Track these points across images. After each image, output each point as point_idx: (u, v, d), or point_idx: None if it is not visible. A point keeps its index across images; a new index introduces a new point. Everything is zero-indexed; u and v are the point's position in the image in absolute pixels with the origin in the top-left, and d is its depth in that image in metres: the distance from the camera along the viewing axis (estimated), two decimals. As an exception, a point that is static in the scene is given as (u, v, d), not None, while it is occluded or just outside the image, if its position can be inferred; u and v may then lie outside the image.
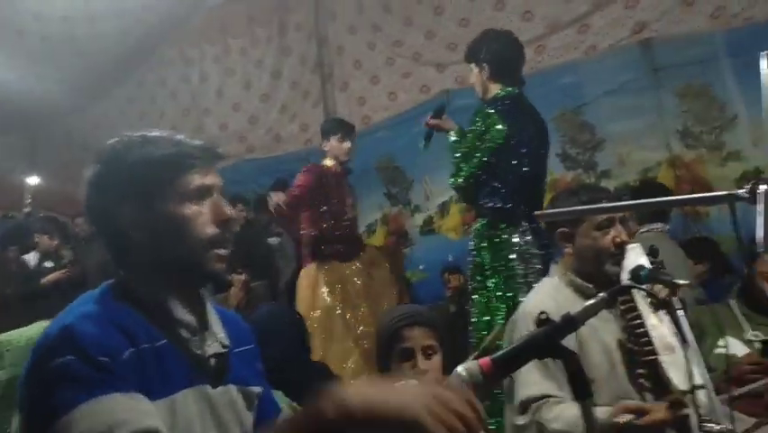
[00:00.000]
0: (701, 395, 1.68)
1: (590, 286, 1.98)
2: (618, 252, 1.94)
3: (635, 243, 2.09)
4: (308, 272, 3.78)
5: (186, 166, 1.17)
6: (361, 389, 0.88)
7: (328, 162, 3.89)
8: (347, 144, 3.87)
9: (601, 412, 1.70)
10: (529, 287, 2.75)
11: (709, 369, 2.26)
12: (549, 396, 1.78)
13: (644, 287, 1.41)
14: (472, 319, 2.89)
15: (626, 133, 4.41)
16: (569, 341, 1.84)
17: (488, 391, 0.97)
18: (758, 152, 4.02)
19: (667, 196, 3.24)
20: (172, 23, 5.75)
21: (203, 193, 1.19)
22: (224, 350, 1.21)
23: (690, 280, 2.63)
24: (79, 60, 5.46)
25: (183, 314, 1.16)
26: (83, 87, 6.00)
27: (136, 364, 1.04)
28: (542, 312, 0.96)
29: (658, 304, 1.88)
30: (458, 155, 2.90)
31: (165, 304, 1.15)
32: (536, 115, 2.99)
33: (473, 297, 2.90)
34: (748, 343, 2.35)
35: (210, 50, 5.92)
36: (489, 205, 2.87)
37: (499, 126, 2.78)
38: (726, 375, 2.23)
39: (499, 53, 2.92)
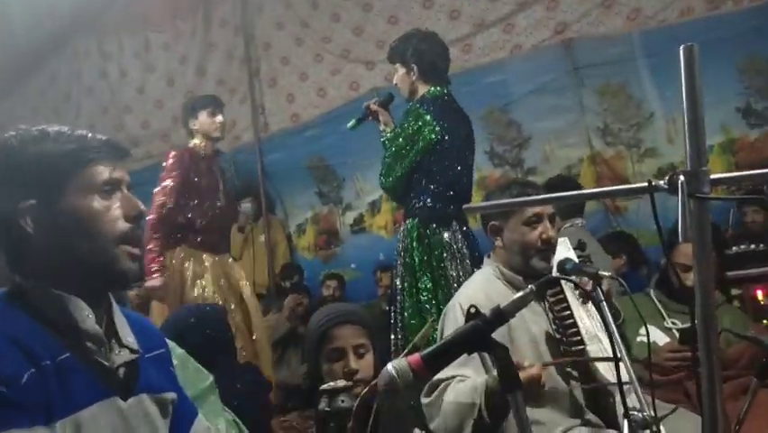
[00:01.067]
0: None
1: (520, 278, 2.01)
2: (545, 247, 1.99)
3: (563, 237, 2.15)
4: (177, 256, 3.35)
5: (89, 160, 1.11)
6: None
7: (197, 141, 3.43)
8: (219, 118, 3.44)
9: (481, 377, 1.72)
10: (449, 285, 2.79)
11: (633, 358, 2.36)
12: (456, 376, 1.79)
13: (572, 278, 1.43)
14: (403, 321, 2.87)
15: (551, 131, 4.54)
16: (499, 331, 1.91)
17: (418, 388, 0.95)
18: (673, 149, 4.21)
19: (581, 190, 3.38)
20: (89, 13, 5.49)
21: (111, 187, 1.12)
22: (133, 357, 1.15)
23: (612, 272, 2.73)
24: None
25: (88, 323, 1.08)
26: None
27: (37, 386, 0.97)
28: (471, 306, 0.95)
29: (585, 296, 1.93)
30: (388, 155, 2.89)
31: (68, 312, 1.07)
32: (464, 114, 3.02)
33: (405, 298, 2.88)
34: (667, 331, 2.45)
35: (130, 44, 5.69)
36: (420, 205, 2.87)
37: (432, 127, 2.79)
38: (647, 363, 2.31)
39: (427, 54, 2.92)
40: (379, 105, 3.00)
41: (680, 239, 0.83)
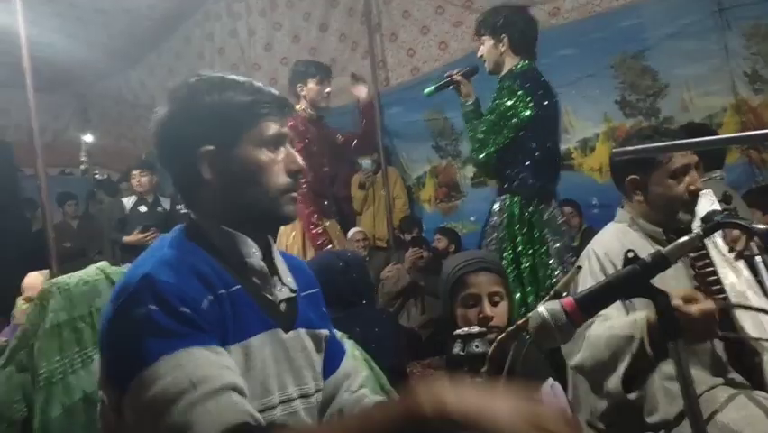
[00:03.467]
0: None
1: (660, 230, 1.92)
2: (692, 199, 1.89)
3: (706, 189, 2.02)
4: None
5: (263, 113, 1.16)
6: (462, 394, 0.86)
7: (302, 107, 3.54)
8: (327, 89, 3.57)
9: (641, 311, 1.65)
10: (562, 263, 2.80)
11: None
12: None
13: (741, 221, 1.32)
14: None
15: (690, 78, 4.21)
16: None
17: (571, 333, 0.94)
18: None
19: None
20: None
21: (278, 141, 1.19)
22: (292, 295, 1.22)
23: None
24: (126, 17, 5.49)
25: (255, 259, 1.16)
26: (130, 44, 6.05)
27: (214, 312, 1.06)
28: (629, 250, 0.92)
29: (735, 251, 1.82)
30: (482, 130, 2.85)
31: (237, 249, 1.15)
32: (551, 87, 2.94)
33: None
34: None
35: (256, 4, 5.86)
36: (519, 182, 2.85)
37: (526, 103, 2.76)
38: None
39: (519, 24, 2.88)
40: (462, 76, 2.98)
41: None
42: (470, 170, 5.48)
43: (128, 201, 5.26)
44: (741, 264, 1.91)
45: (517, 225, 2.83)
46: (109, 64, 6.23)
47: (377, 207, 5.51)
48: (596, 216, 4.55)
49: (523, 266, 2.81)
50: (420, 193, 5.92)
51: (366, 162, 5.60)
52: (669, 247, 0.90)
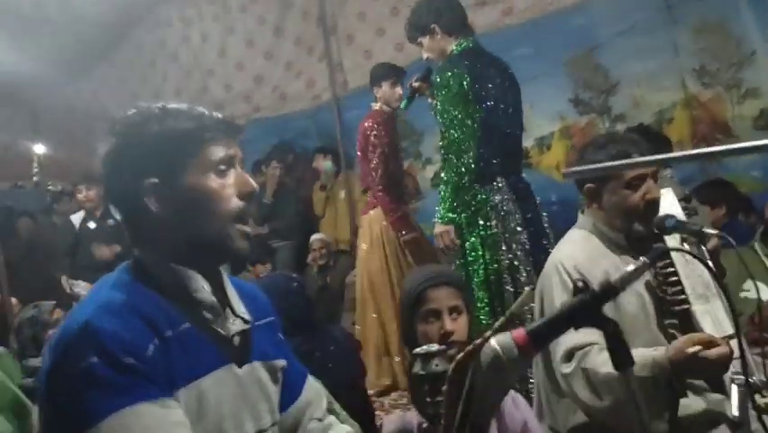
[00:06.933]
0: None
1: (622, 235, 1.91)
2: (649, 209, 1.86)
3: (667, 188, 2.02)
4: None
5: (207, 138, 1.13)
6: None
7: (378, 106, 4.00)
8: (399, 90, 3.95)
9: (657, 351, 1.65)
10: (508, 247, 2.75)
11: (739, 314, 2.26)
12: (594, 343, 1.70)
13: (686, 248, 1.35)
14: None
15: (641, 74, 4.28)
16: None
17: (525, 365, 0.93)
18: (777, 89, 3.91)
19: (666, 145, 3.23)
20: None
21: (226, 165, 1.15)
22: (246, 326, 1.19)
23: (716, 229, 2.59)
24: (75, 26, 5.35)
25: (205, 294, 1.13)
26: (80, 53, 5.90)
27: (161, 357, 1.01)
28: (579, 279, 0.92)
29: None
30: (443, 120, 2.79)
31: (186, 285, 1.11)
32: (501, 65, 2.92)
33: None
34: (775, 286, 2.33)
35: (209, 9, 5.77)
36: (460, 164, 2.76)
37: (460, 80, 2.72)
38: (754, 320, 2.21)
39: (444, 8, 2.89)
40: (421, 81, 3.13)
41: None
42: (430, 171, 5.49)
43: (76, 218, 5.00)
44: (696, 263, 1.93)
45: (461, 210, 2.80)
46: (59, 75, 6.05)
47: (337, 210, 5.48)
48: (556, 212, 4.59)
49: (468, 252, 2.78)
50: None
51: (327, 165, 5.57)
52: (617, 276, 0.90)
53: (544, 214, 2.98)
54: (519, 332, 0.91)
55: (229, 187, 1.14)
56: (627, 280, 0.89)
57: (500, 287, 2.70)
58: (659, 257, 0.92)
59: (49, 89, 6.59)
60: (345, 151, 5.51)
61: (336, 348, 1.99)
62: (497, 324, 1.56)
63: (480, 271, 2.74)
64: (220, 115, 1.18)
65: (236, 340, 1.17)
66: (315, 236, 5.06)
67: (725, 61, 4.09)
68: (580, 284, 0.91)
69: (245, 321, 1.19)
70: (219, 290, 1.18)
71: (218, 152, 1.14)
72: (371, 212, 3.98)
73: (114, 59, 6.28)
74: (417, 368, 1.41)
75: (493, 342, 0.92)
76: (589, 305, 0.89)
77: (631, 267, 0.91)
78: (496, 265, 2.73)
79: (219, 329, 1.14)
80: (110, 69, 6.34)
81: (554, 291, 1.86)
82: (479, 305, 2.71)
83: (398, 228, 3.88)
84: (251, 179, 1.17)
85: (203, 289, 1.13)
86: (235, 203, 1.14)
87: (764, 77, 3.97)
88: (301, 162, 6.00)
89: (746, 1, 3.89)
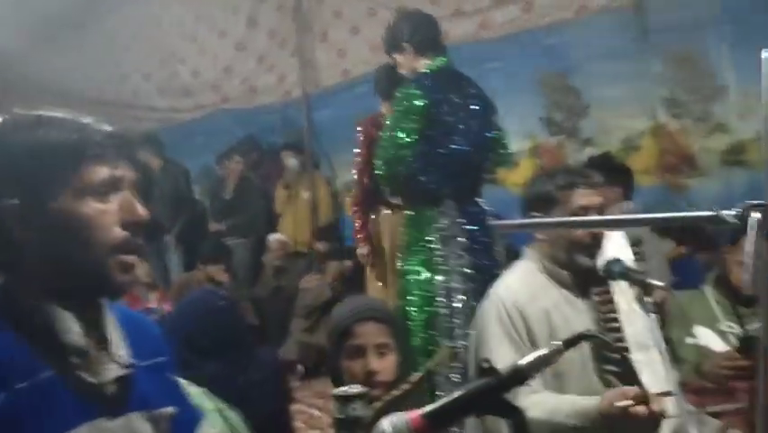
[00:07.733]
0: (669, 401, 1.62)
1: (566, 273, 1.88)
2: (593, 243, 1.83)
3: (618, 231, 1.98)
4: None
5: (89, 155, 0.96)
6: None
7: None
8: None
9: (588, 400, 1.62)
10: (446, 272, 2.68)
11: (679, 360, 2.21)
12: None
13: (636, 276, 1.27)
14: None
15: (611, 100, 4.26)
16: (542, 330, 1.79)
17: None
18: (745, 125, 3.90)
19: (628, 176, 3.22)
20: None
21: (109, 188, 0.98)
22: (124, 372, 1.02)
23: (666, 281, 2.54)
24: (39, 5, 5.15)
25: (70, 336, 0.96)
26: (40, 33, 5.69)
27: (11, 412, 0.88)
28: (485, 360, 0.83)
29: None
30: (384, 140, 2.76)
31: (51, 325, 0.95)
32: (469, 88, 2.85)
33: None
34: (722, 334, 2.27)
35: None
36: (410, 184, 2.75)
37: (418, 102, 2.67)
38: (698, 370, 2.16)
39: (415, 26, 2.85)
40: None
41: (745, 291, 0.70)
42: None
43: None
44: (639, 310, 1.88)
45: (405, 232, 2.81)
46: (17, 54, 5.83)
47: (298, 210, 5.35)
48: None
49: (408, 273, 2.77)
50: (348, 199, 5.80)
51: (292, 162, 5.44)
52: (529, 360, 0.81)
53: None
54: (415, 415, 0.82)
55: (110, 214, 0.98)
56: (538, 365, 0.81)
57: (435, 308, 2.66)
58: (575, 343, 0.83)
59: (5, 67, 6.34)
60: (312, 150, 5.40)
61: (261, 374, 1.88)
62: (411, 378, 1.48)
63: (418, 293, 2.70)
64: (108, 129, 1.02)
65: (110, 388, 1.01)
66: (272, 236, 4.94)
67: (696, 93, 4.08)
68: (485, 365, 0.82)
69: (125, 366, 1.03)
70: (96, 328, 1.01)
71: (100, 172, 0.97)
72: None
73: (83, 42, 6.04)
74: (335, 411, 1.32)
75: (385, 424, 0.82)
76: (495, 390, 0.80)
77: (543, 352, 0.82)
78: (432, 286, 2.69)
79: (88, 377, 0.98)
80: (78, 51, 6.09)
81: (494, 328, 1.82)
82: (413, 323, 2.67)
83: None
84: (139, 207, 1.00)
85: (71, 330, 0.96)
86: (116, 233, 0.98)
87: (734, 112, 3.97)
88: (268, 158, 5.86)
89: (722, 37, 3.87)
